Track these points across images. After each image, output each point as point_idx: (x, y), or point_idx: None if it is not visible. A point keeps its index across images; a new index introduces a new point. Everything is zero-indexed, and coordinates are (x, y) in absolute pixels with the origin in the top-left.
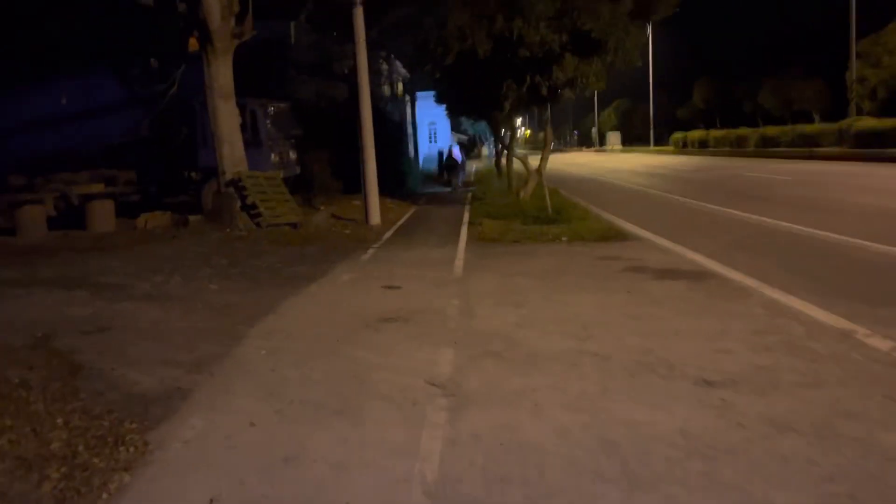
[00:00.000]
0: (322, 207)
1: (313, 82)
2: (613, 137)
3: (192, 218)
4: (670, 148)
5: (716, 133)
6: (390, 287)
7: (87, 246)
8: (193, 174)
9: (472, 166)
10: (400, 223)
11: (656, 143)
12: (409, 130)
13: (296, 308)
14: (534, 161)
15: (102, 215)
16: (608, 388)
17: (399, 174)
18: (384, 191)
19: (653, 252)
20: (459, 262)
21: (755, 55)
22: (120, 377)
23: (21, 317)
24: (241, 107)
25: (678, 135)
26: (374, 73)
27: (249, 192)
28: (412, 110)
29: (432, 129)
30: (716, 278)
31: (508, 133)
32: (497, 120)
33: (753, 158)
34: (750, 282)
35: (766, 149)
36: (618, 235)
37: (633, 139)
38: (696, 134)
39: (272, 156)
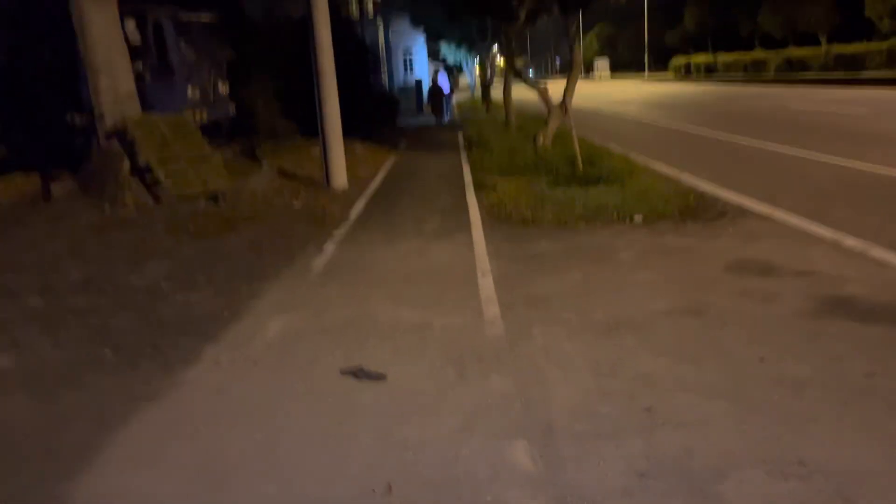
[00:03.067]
0: (265, 162)
1: None
2: (601, 64)
3: (59, 188)
4: (669, 75)
5: (725, 57)
6: (359, 375)
7: None
8: (75, 116)
9: (454, 98)
10: (375, 184)
11: (649, 70)
12: (383, 58)
13: (130, 485)
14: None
15: None
16: None
17: (372, 110)
18: (354, 133)
19: (812, 247)
20: (487, 282)
21: None
22: None
23: None
24: (140, 18)
25: (680, 59)
26: None
27: (142, 147)
28: (386, 35)
29: (407, 57)
30: None
31: (487, 60)
32: (507, 36)
33: (778, 86)
34: None
35: (795, 73)
36: (709, 206)
37: (619, 66)
38: (701, 58)
39: (189, 89)
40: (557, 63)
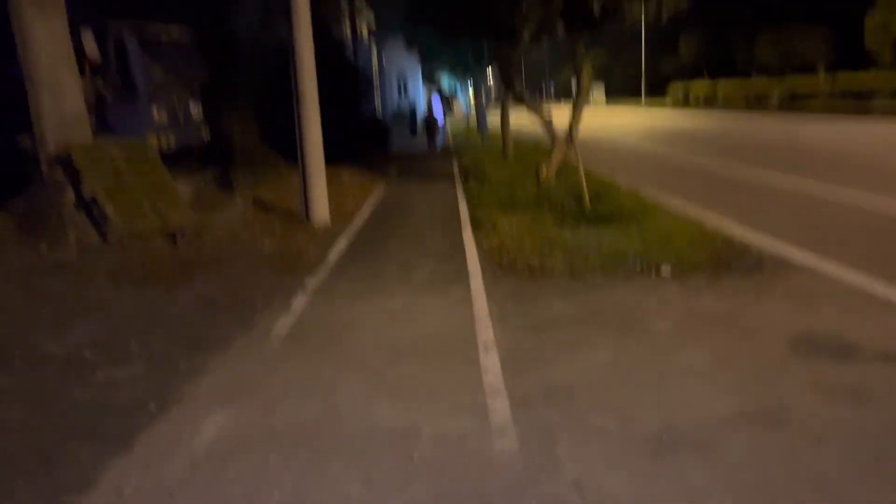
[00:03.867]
0: (238, 194)
1: (246, 12)
2: (596, 91)
3: None
4: (666, 101)
5: (725, 84)
6: None
7: None
8: (24, 140)
9: (447, 123)
10: (361, 219)
11: (645, 97)
12: (376, 82)
13: None
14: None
15: None
16: None
17: (362, 136)
18: (342, 160)
19: (890, 317)
20: (492, 360)
21: (752, 1)
22: None
23: None
24: (100, 32)
25: (677, 86)
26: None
27: (88, 176)
28: (378, 59)
29: (401, 81)
30: None
31: (482, 84)
32: (505, 60)
33: (786, 115)
34: None
35: (801, 101)
36: (742, 254)
37: (613, 93)
38: (700, 88)
39: (154, 111)
40: (552, 88)
